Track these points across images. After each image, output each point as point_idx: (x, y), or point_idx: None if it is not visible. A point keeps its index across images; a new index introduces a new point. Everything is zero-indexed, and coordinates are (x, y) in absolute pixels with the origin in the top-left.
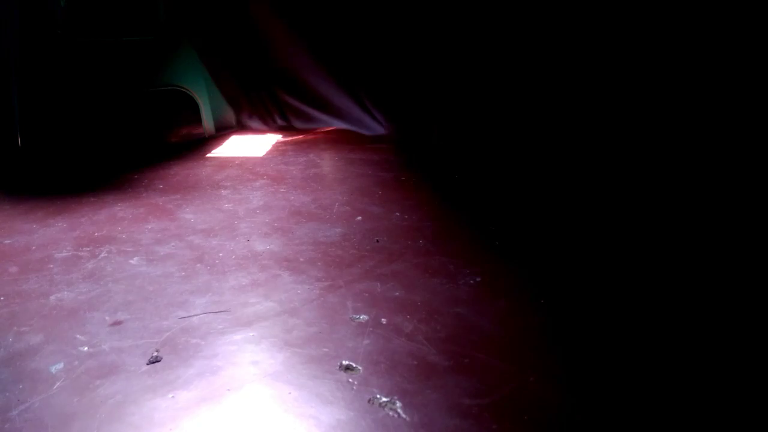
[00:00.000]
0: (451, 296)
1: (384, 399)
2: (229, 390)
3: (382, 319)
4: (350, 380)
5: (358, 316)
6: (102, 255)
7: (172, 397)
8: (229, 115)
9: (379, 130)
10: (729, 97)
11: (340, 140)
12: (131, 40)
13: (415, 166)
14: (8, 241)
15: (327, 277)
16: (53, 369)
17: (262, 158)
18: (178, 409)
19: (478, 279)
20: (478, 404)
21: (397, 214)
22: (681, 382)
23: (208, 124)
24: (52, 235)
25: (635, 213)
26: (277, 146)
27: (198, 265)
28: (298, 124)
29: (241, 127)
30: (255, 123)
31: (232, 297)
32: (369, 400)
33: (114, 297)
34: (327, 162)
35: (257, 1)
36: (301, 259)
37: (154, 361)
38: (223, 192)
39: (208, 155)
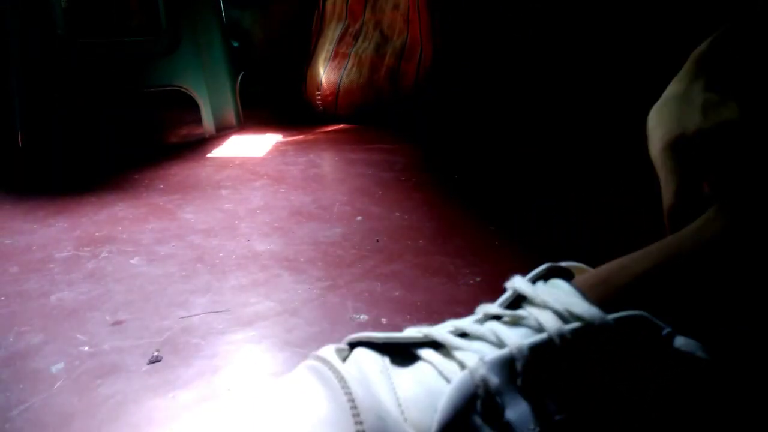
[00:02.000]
0: (451, 296)
1: None
2: (229, 390)
3: (383, 319)
4: None
5: (358, 316)
6: (103, 255)
7: (173, 396)
8: (230, 115)
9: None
10: None
11: (340, 140)
12: (131, 39)
13: (415, 166)
14: (9, 241)
15: (327, 277)
16: (54, 369)
17: (262, 158)
18: (178, 408)
19: (478, 279)
20: None
21: (397, 214)
22: None
23: (208, 124)
24: (53, 234)
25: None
26: (278, 146)
27: (198, 265)
28: None
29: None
30: None
31: (232, 297)
32: None
33: (114, 297)
34: (327, 162)
35: None
36: (302, 259)
37: (155, 360)
38: (224, 192)
39: (209, 155)
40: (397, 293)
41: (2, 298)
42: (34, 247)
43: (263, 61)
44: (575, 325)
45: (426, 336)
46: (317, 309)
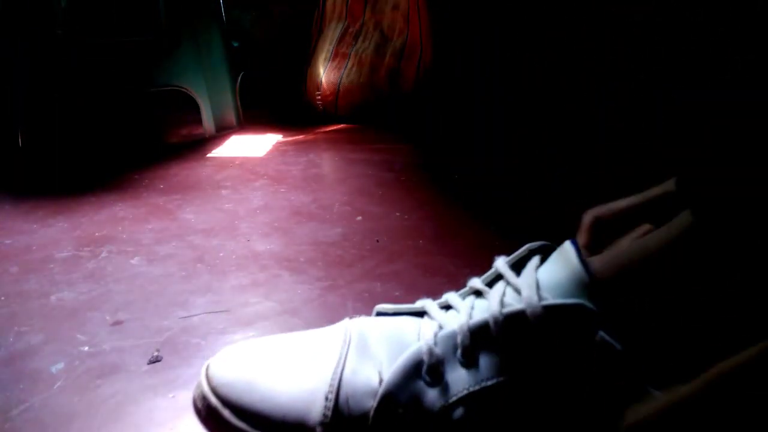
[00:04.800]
0: None
1: None
2: None
3: None
4: None
5: (358, 316)
6: (103, 255)
7: (173, 396)
8: (230, 115)
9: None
10: None
11: (340, 140)
12: (131, 40)
13: (415, 166)
14: (9, 241)
15: (327, 277)
16: (54, 369)
17: (262, 158)
18: (178, 408)
19: None
20: None
21: (397, 214)
22: None
23: (208, 124)
24: (53, 234)
25: None
26: (278, 146)
27: (198, 264)
28: None
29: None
30: None
31: (232, 297)
32: None
33: (115, 297)
34: (327, 162)
35: None
36: (302, 259)
37: (155, 360)
38: (224, 192)
39: (209, 155)
40: (397, 293)
41: (2, 298)
42: (34, 247)
43: (263, 61)
44: (510, 309)
45: (421, 307)
46: (317, 309)
